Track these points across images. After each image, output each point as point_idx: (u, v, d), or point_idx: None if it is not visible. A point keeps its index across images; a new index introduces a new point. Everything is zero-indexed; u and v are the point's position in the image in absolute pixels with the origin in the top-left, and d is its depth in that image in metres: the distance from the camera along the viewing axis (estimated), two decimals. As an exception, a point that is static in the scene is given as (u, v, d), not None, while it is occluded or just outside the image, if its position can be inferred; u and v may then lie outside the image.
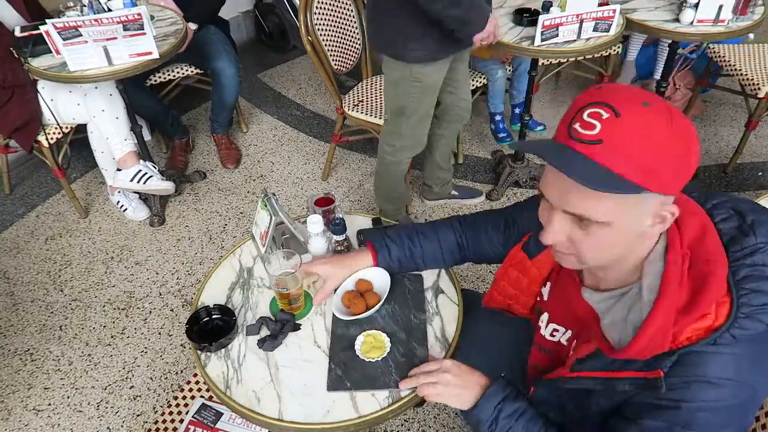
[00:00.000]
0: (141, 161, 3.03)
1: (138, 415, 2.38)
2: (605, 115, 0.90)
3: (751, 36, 3.45)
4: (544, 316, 1.33)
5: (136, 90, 3.25)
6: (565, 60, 3.56)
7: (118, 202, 3.25)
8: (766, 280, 0.96)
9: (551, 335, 1.32)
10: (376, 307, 1.52)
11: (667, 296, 0.98)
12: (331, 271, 1.55)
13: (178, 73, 3.44)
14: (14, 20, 2.86)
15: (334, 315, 1.53)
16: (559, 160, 0.93)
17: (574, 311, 1.21)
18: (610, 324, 1.09)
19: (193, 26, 3.22)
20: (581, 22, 2.55)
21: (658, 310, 0.98)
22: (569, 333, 1.27)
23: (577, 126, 0.93)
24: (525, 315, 1.42)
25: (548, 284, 1.32)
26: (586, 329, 1.17)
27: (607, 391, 1.09)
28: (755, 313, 0.95)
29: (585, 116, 0.92)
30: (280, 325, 1.49)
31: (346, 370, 1.40)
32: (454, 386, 1.29)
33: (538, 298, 1.36)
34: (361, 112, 3.08)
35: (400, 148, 2.67)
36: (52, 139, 2.98)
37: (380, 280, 1.57)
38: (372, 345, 1.44)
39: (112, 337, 2.67)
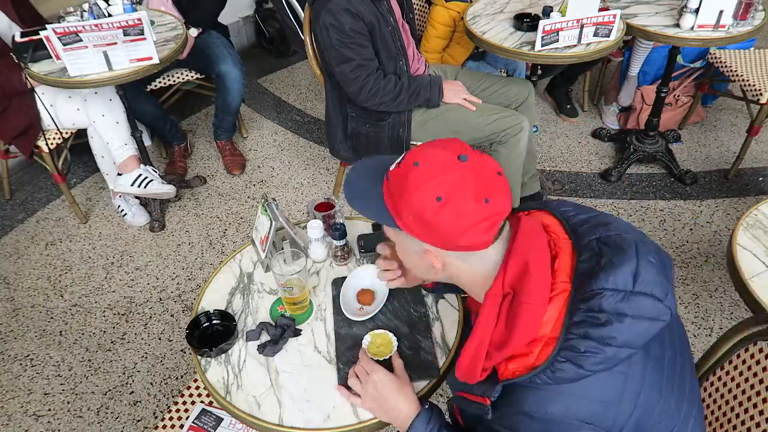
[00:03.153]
0: (142, 165, 3.03)
1: (138, 421, 2.38)
2: (398, 160, 1.09)
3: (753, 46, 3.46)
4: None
5: (135, 95, 3.25)
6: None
7: (119, 206, 3.25)
8: (597, 327, 0.95)
9: None
10: (379, 306, 1.53)
11: (478, 329, 1.05)
12: None
13: (178, 78, 3.44)
14: (4, 24, 2.86)
15: (335, 316, 1.54)
16: (351, 190, 1.19)
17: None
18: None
19: (194, 32, 3.22)
20: (581, 27, 2.55)
21: (469, 343, 1.07)
22: None
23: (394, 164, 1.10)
24: None
25: None
26: None
27: (469, 411, 1.17)
28: (576, 358, 0.96)
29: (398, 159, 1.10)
30: (281, 330, 1.49)
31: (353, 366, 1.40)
32: (376, 396, 1.32)
33: None
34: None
35: None
36: (52, 144, 2.98)
37: (380, 285, 1.57)
38: (379, 345, 1.44)
39: (112, 342, 2.66)
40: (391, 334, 1.46)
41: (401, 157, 1.09)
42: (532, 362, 1.00)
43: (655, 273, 0.99)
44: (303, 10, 3.79)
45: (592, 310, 0.96)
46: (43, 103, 2.86)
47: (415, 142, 2.73)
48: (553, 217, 1.13)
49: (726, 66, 3.26)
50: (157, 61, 2.60)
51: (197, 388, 1.83)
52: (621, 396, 0.99)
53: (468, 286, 1.16)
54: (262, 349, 1.46)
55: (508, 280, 1.04)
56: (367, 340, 1.45)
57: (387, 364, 1.39)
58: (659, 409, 1.04)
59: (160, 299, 2.85)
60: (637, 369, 1.00)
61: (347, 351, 1.46)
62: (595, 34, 2.60)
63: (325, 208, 1.77)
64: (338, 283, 1.63)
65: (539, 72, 3.11)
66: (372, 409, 1.33)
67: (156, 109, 3.45)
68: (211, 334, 1.52)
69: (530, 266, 1.02)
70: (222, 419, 1.71)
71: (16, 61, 2.66)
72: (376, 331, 1.47)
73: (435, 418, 1.28)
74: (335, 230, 1.65)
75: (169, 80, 3.43)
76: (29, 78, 2.68)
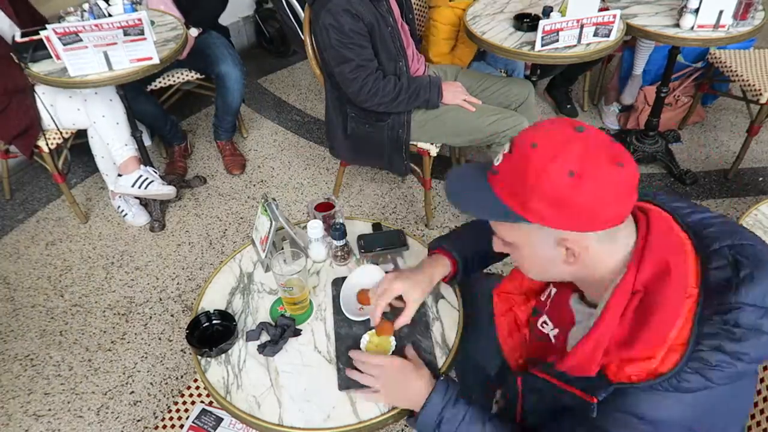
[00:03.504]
0: (142, 166, 3.03)
1: (138, 421, 2.38)
2: (506, 150, 1.02)
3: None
4: (544, 316, 1.33)
5: (135, 95, 3.25)
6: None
7: (119, 206, 3.25)
8: (732, 341, 0.92)
9: (541, 326, 1.33)
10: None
11: (601, 325, 1.01)
12: (412, 289, 1.47)
13: (178, 78, 3.44)
14: (5, 24, 2.86)
15: (335, 316, 1.54)
16: (458, 194, 1.11)
17: (562, 313, 1.24)
18: (573, 336, 1.14)
19: (194, 32, 3.22)
20: (581, 27, 2.55)
21: (589, 336, 1.02)
22: (556, 330, 1.28)
23: (496, 158, 1.04)
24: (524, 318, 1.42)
25: (553, 289, 1.32)
26: (563, 332, 1.21)
27: (555, 396, 1.14)
28: (705, 370, 0.93)
29: (501, 151, 1.03)
30: (281, 330, 1.49)
31: (355, 369, 1.40)
32: (394, 384, 1.32)
33: (542, 297, 1.36)
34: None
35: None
36: (52, 144, 2.98)
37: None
38: (377, 344, 1.44)
39: (112, 342, 2.67)
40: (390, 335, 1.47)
41: (506, 147, 1.02)
42: (655, 368, 0.96)
43: None
44: (303, 10, 3.80)
45: (727, 323, 0.93)
46: (43, 103, 2.86)
47: (414, 143, 2.74)
48: (668, 214, 1.08)
49: (726, 66, 3.26)
50: (157, 61, 2.60)
51: (197, 388, 1.83)
52: (733, 408, 1.00)
53: (592, 279, 1.08)
54: (262, 349, 1.46)
55: (642, 277, 0.99)
56: (365, 340, 1.45)
57: (392, 356, 1.40)
58: (743, 419, 1.05)
59: (160, 299, 2.85)
60: (747, 383, 1.00)
61: (347, 351, 1.46)
62: (595, 34, 2.59)
63: (325, 208, 1.77)
64: (338, 283, 1.63)
65: (538, 72, 3.11)
66: (394, 400, 1.34)
67: (156, 109, 3.45)
68: (211, 334, 1.52)
69: (671, 267, 0.98)
70: (222, 419, 1.71)
71: (17, 61, 2.66)
72: (371, 332, 1.47)
73: (452, 388, 1.29)
74: (335, 230, 1.65)
75: (169, 80, 3.43)
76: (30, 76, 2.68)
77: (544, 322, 1.31)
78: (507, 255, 1.19)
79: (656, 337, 0.96)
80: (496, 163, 1.03)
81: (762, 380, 1.27)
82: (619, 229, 1.01)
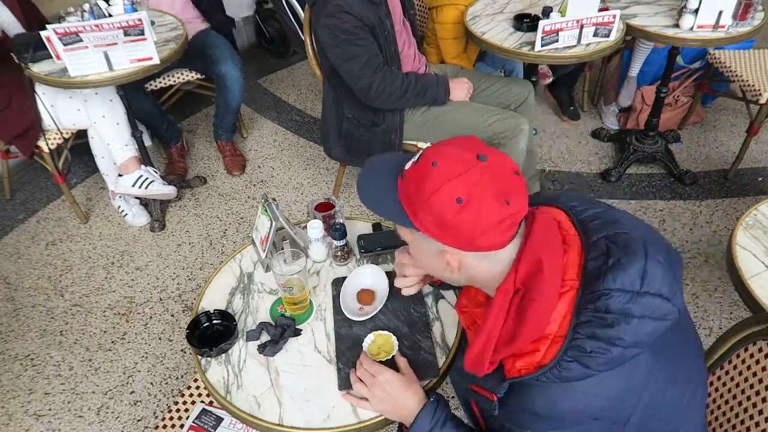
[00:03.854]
0: (142, 166, 3.03)
1: (138, 420, 2.38)
2: (415, 159, 1.07)
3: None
4: None
5: (134, 92, 3.26)
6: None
7: (119, 206, 3.25)
8: (604, 328, 0.95)
9: None
10: (379, 307, 1.53)
11: (487, 323, 1.06)
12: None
13: (178, 78, 3.44)
14: (12, 24, 2.86)
15: (335, 316, 1.54)
16: (365, 188, 1.16)
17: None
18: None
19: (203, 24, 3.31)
20: (581, 27, 2.55)
21: (478, 336, 1.07)
22: None
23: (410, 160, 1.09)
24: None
25: None
26: None
27: (481, 405, 1.19)
28: (582, 358, 0.97)
29: (414, 157, 1.08)
30: (281, 330, 1.49)
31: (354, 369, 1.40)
32: (384, 397, 1.32)
33: None
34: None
35: None
36: (52, 144, 2.98)
37: (380, 285, 1.58)
38: (381, 346, 1.44)
39: (112, 342, 2.67)
40: (392, 335, 1.47)
41: (418, 155, 1.07)
42: (539, 360, 1.00)
43: (663, 273, 0.98)
44: (303, 10, 3.80)
45: (599, 311, 0.96)
46: (43, 103, 2.87)
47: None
48: (563, 213, 1.12)
49: (726, 66, 3.26)
50: (158, 62, 2.61)
51: (197, 388, 1.84)
52: (626, 392, 1.01)
53: (483, 284, 1.15)
54: (262, 349, 1.46)
55: (520, 276, 1.04)
56: (368, 340, 1.45)
57: (388, 365, 1.39)
58: (666, 398, 1.05)
59: (161, 299, 2.85)
60: (643, 366, 1.01)
61: (347, 351, 1.46)
62: (595, 35, 2.60)
63: (325, 208, 1.77)
64: (338, 283, 1.63)
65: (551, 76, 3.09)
66: (383, 411, 1.33)
67: (154, 108, 3.45)
68: (211, 334, 1.52)
69: (543, 264, 1.02)
70: (222, 419, 1.71)
71: (17, 61, 2.66)
72: (377, 332, 1.47)
73: (440, 410, 1.28)
74: (335, 230, 1.65)
75: (169, 80, 3.43)
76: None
77: None
78: None
79: (533, 330, 1.00)
80: (407, 167, 1.08)
81: (761, 381, 1.27)
82: (502, 250, 1.06)
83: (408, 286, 1.43)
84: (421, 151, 1.07)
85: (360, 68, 2.41)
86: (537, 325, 1.00)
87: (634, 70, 3.68)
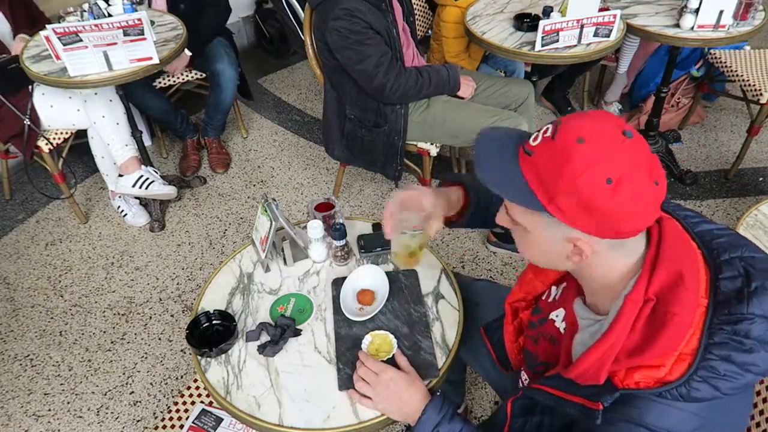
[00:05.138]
0: (142, 167, 3.03)
1: (138, 421, 2.38)
2: (548, 134, 0.96)
3: (747, 47, 3.45)
4: (560, 312, 1.29)
5: (145, 91, 3.27)
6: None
7: (119, 207, 3.25)
8: (741, 352, 0.92)
9: (555, 318, 1.29)
10: (379, 307, 1.53)
11: (612, 333, 0.98)
12: (429, 196, 1.44)
13: (178, 77, 3.44)
14: (3, 26, 2.86)
15: (335, 317, 1.54)
16: (484, 165, 1.04)
17: (567, 314, 1.22)
18: (579, 342, 1.12)
19: (187, 53, 3.20)
20: (582, 27, 2.55)
21: (600, 343, 0.99)
22: (564, 324, 1.25)
23: (533, 136, 0.99)
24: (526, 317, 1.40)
25: (562, 285, 1.30)
26: (569, 335, 1.19)
27: (558, 409, 1.11)
28: (713, 380, 0.92)
29: (541, 130, 0.98)
30: (281, 330, 1.49)
31: (355, 369, 1.40)
32: (388, 395, 1.31)
33: (544, 297, 1.34)
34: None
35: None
36: (52, 144, 2.97)
37: (380, 285, 1.58)
38: (379, 346, 1.44)
39: (112, 342, 2.66)
40: (389, 334, 1.46)
41: (550, 129, 0.97)
42: (663, 376, 0.95)
43: None
44: (303, 10, 3.80)
45: (737, 334, 0.92)
46: (42, 104, 2.86)
47: (411, 141, 2.74)
48: (677, 221, 1.07)
49: (726, 66, 3.26)
50: (157, 62, 2.60)
51: (197, 388, 1.83)
52: (733, 418, 1.00)
53: (597, 283, 1.07)
54: (262, 349, 1.46)
55: (654, 286, 0.97)
56: (366, 340, 1.45)
57: (386, 362, 1.39)
58: (742, 429, 1.04)
59: (160, 299, 2.85)
60: (748, 394, 1.01)
61: (347, 351, 1.46)
62: (595, 35, 2.59)
63: (325, 208, 1.77)
64: (338, 283, 1.63)
65: (538, 72, 3.10)
66: (385, 410, 1.33)
67: (166, 104, 3.46)
68: (211, 334, 1.52)
69: (685, 277, 0.96)
70: (222, 419, 1.71)
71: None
72: (375, 332, 1.47)
73: (447, 404, 1.28)
74: (335, 230, 1.65)
75: (169, 80, 3.43)
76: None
77: (557, 315, 1.27)
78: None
79: (668, 346, 0.94)
80: (533, 143, 0.98)
81: (761, 381, 1.27)
82: (633, 240, 1.00)
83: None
84: (551, 125, 0.97)
85: (374, 68, 2.42)
86: (672, 341, 0.94)
87: (623, 67, 3.70)
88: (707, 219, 1.09)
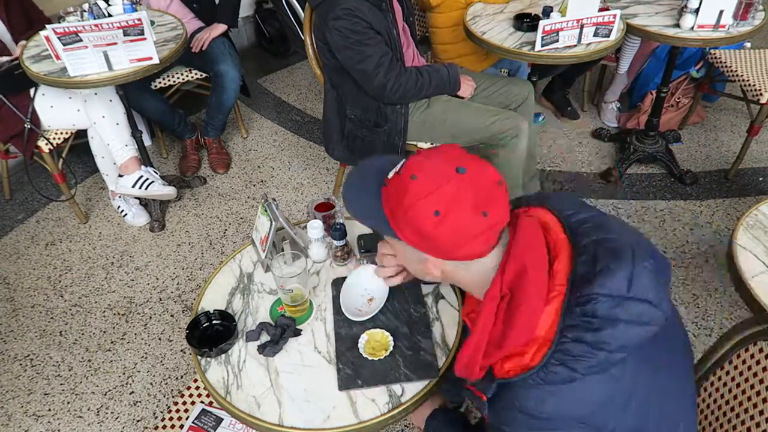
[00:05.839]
0: (142, 167, 3.03)
1: (138, 421, 2.38)
2: (397, 169, 1.09)
3: (748, 44, 3.45)
4: None
5: (143, 92, 3.26)
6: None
7: (119, 207, 3.25)
8: (590, 332, 0.96)
9: None
10: (379, 307, 1.53)
11: (476, 330, 1.06)
12: None
13: (178, 78, 3.44)
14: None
15: (335, 317, 1.54)
16: (350, 199, 1.19)
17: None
18: None
19: (222, 27, 3.35)
20: (581, 27, 2.55)
21: (468, 341, 1.08)
22: None
23: (393, 170, 1.11)
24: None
25: None
26: None
27: (474, 404, 1.18)
28: (569, 362, 0.97)
29: (399, 164, 1.10)
30: (281, 330, 1.49)
31: (355, 369, 1.41)
32: None
33: None
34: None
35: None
36: (52, 144, 2.97)
37: (380, 285, 1.57)
38: (374, 345, 1.44)
39: (112, 342, 2.66)
40: (383, 331, 1.47)
41: (399, 165, 1.09)
42: (527, 362, 1.01)
43: (650, 278, 0.99)
44: (303, 10, 3.80)
45: (586, 315, 0.97)
46: (42, 104, 2.86)
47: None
48: (553, 216, 1.13)
49: (726, 66, 3.26)
50: (157, 61, 2.60)
51: (197, 388, 1.83)
52: (612, 398, 1.01)
53: (469, 288, 1.18)
54: (262, 349, 1.46)
55: (506, 282, 1.05)
56: (362, 341, 1.45)
57: (385, 362, 1.40)
58: (655, 412, 1.05)
59: (160, 299, 2.85)
60: (629, 372, 1.01)
61: (347, 351, 1.46)
62: (595, 34, 2.59)
63: (325, 208, 1.77)
64: (338, 283, 1.63)
65: (538, 72, 3.10)
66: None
67: (164, 105, 3.46)
68: (211, 334, 1.52)
69: (528, 269, 1.03)
70: (222, 419, 1.71)
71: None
72: (370, 331, 1.47)
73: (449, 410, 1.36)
74: (335, 230, 1.65)
75: (169, 80, 3.43)
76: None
77: None
78: None
79: (521, 334, 1.01)
80: (389, 176, 1.10)
81: (762, 381, 1.27)
82: (483, 258, 1.08)
83: (390, 276, 1.47)
84: (402, 162, 1.09)
85: (374, 68, 2.42)
86: (524, 329, 1.01)
87: (623, 67, 3.70)
88: (587, 208, 1.14)
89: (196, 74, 3.47)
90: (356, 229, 1.80)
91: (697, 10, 2.62)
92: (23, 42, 2.83)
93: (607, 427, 1.01)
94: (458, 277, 1.14)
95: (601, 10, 2.58)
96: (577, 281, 1.01)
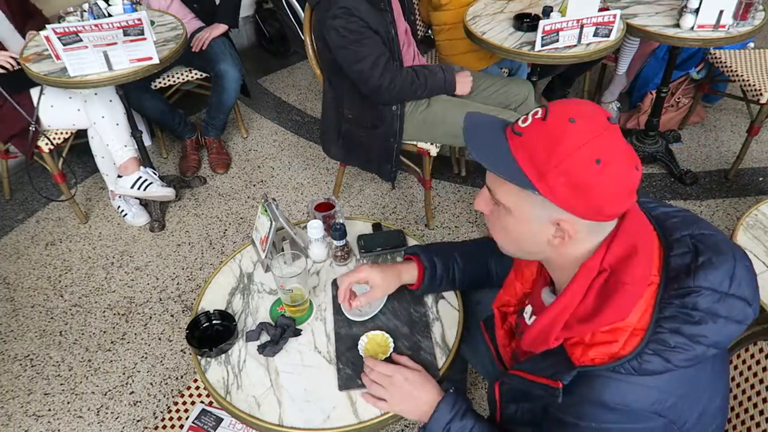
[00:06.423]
0: (141, 168, 3.03)
1: (138, 421, 2.38)
2: (538, 116, 0.99)
3: (752, 44, 3.45)
4: (528, 308, 1.33)
5: (143, 92, 3.27)
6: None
7: (119, 207, 3.25)
8: (690, 324, 0.95)
9: (525, 315, 1.33)
10: (379, 308, 1.53)
11: (564, 297, 1.03)
12: (381, 280, 1.49)
13: (178, 77, 3.44)
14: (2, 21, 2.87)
15: (335, 317, 1.54)
16: (475, 139, 1.04)
17: (536, 305, 1.26)
18: None
19: (223, 27, 3.35)
20: (581, 27, 2.55)
21: (552, 307, 1.05)
22: (533, 318, 1.28)
23: (521, 118, 1.02)
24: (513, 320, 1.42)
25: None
26: None
27: (530, 393, 1.15)
28: (664, 352, 0.96)
29: (530, 112, 1.01)
30: (281, 330, 1.49)
31: (355, 369, 1.41)
32: (403, 395, 1.32)
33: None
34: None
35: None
36: (52, 144, 2.97)
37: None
38: (374, 347, 1.44)
39: (112, 342, 2.66)
40: (383, 333, 1.46)
41: (540, 111, 0.99)
42: (617, 351, 0.98)
43: (749, 277, 0.99)
44: (303, 10, 3.80)
45: (686, 307, 0.96)
46: (43, 104, 2.86)
47: (410, 141, 2.73)
48: (636, 205, 1.09)
49: (726, 66, 3.26)
50: (157, 61, 2.60)
51: (197, 388, 1.83)
52: (695, 391, 1.01)
53: (565, 261, 1.08)
54: (262, 349, 1.46)
55: (609, 257, 1.01)
56: (362, 343, 1.45)
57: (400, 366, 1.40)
58: (714, 406, 1.05)
59: (160, 299, 2.85)
60: (708, 369, 1.01)
61: (347, 351, 1.46)
62: (595, 34, 2.59)
63: (325, 208, 1.77)
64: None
65: (538, 71, 3.10)
66: (402, 411, 1.33)
67: (163, 105, 3.46)
68: (211, 334, 1.52)
69: (638, 249, 1.00)
70: (222, 419, 1.71)
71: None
72: (370, 333, 1.47)
73: (461, 401, 1.29)
74: (335, 230, 1.65)
75: (170, 80, 3.43)
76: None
77: (527, 311, 1.31)
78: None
79: (616, 314, 0.98)
80: (522, 125, 1.00)
81: (762, 381, 1.27)
82: (607, 224, 1.03)
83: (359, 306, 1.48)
84: (541, 108, 1.00)
85: (370, 68, 2.41)
86: (621, 309, 0.98)
87: (622, 68, 3.70)
88: (664, 203, 1.14)
89: (196, 74, 3.47)
90: (356, 229, 1.81)
91: (697, 10, 2.62)
92: (29, 35, 2.84)
93: (680, 420, 1.00)
94: (574, 248, 1.04)
95: (601, 10, 2.58)
96: (673, 273, 1.00)
